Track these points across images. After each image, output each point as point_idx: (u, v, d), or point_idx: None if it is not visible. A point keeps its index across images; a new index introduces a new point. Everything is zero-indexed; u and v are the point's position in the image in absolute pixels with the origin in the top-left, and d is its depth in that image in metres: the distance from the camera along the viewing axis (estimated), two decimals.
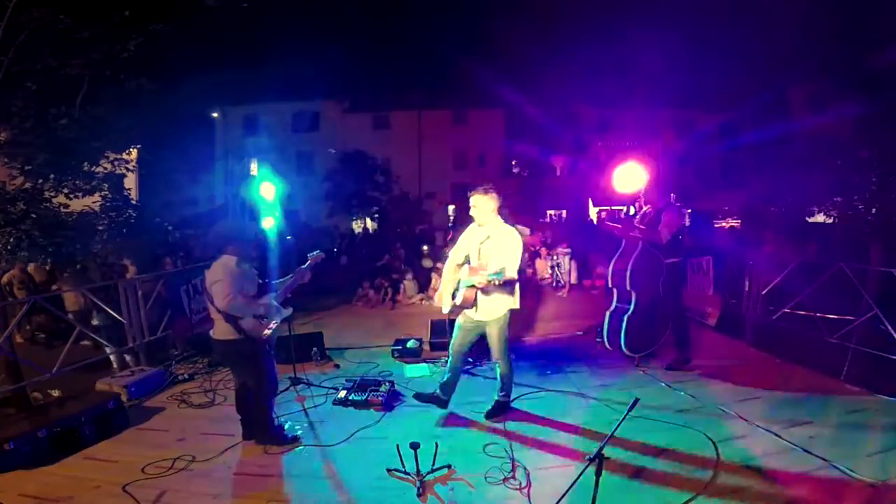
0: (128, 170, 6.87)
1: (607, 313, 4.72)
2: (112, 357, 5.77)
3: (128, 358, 5.68)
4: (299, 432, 3.55)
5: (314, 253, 3.77)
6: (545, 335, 5.87)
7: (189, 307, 5.69)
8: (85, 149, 5.88)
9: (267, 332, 3.26)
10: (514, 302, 3.56)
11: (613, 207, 23.55)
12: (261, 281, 3.38)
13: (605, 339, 4.76)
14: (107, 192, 6.45)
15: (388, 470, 2.93)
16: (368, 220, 24.19)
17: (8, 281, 7.67)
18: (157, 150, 7.79)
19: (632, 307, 4.47)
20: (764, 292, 5.39)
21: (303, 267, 3.65)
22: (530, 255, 9.61)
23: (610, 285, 4.71)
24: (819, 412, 3.57)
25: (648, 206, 4.65)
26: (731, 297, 5.91)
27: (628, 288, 4.47)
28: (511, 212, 3.81)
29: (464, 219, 3.76)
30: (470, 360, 4.57)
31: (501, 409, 3.73)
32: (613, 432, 2.13)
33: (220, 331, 3.18)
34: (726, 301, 5.92)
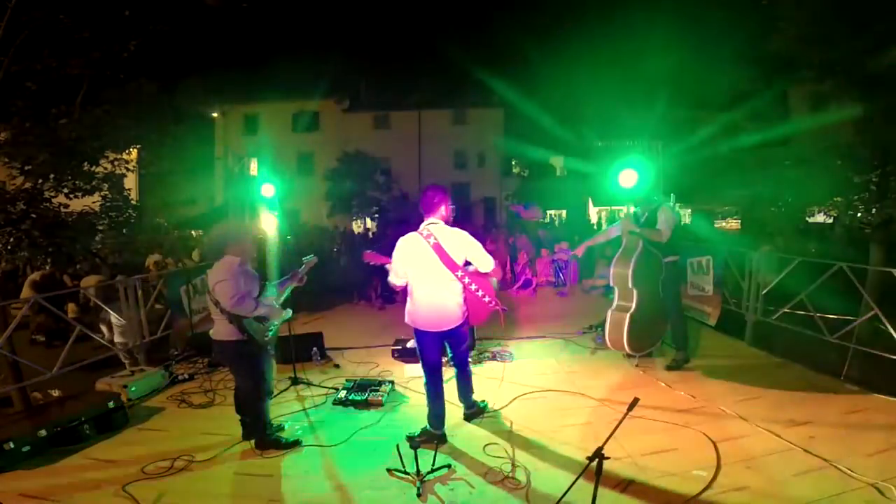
0: (128, 170, 6.88)
1: (609, 312, 4.71)
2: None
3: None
4: (299, 432, 3.55)
5: (308, 258, 3.76)
6: (545, 335, 5.87)
7: (189, 307, 5.68)
8: (85, 149, 5.89)
9: (269, 334, 3.26)
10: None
11: (613, 207, 23.60)
12: (266, 282, 3.38)
13: (607, 338, 4.75)
14: (107, 192, 6.47)
15: (388, 470, 2.93)
16: (368, 220, 24.20)
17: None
18: (157, 150, 7.80)
19: (634, 306, 4.46)
20: (764, 292, 5.39)
21: (298, 271, 3.65)
22: (530, 256, 9.61)
23: (612, 284, 4.70)
24: (819, 412, 3.57)
25: (641, 206, 4.60)
26: (731, 297, 5.91)
27: (630, 287, 4.46)
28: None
29: (464, 219, 3.71)
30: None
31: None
32: (613, 432, 2.13)
33: (221, 331, 3.17)
34: (726, 301, 5.92)
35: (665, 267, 4.51)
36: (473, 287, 3.23)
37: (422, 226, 3.22)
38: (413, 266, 3.19)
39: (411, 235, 3.22)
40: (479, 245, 3.21)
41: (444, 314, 3.20)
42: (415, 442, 2.94)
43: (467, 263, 3.23)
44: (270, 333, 3.29)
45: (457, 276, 3.16)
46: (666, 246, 4.47)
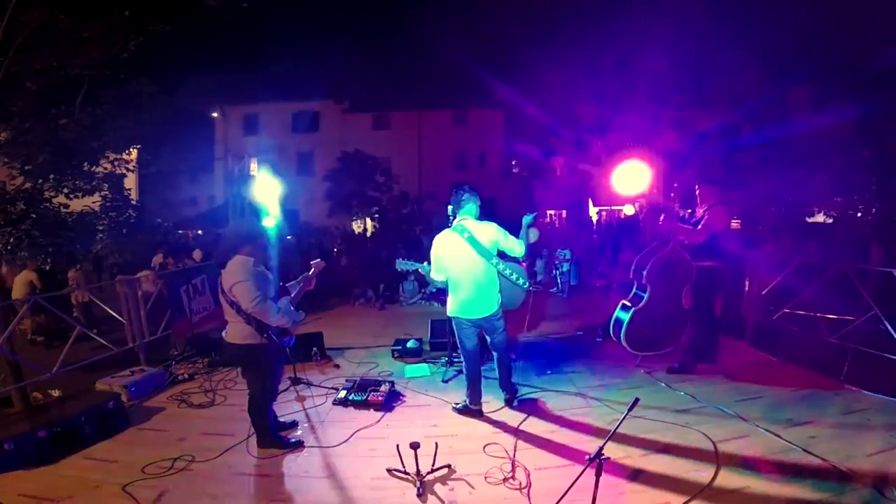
0: (128, 170, 6.89)
1: (621, 302, 4.67)
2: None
3: None
4: (299, 432, 3.55)
5: (316, 261, 3.75)
6: (545, 335, 5.87)
7: (189, 307, 5.68)
8: (85, 149, 5.90)
9: (286, 337, 3.23)
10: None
11: (614, 207, 23.59)
12: (281, 284, 3.35)
13: (611, 327, 4.69)
14: (107, 192, 6.48)
15: (388, 470, 2.93)
16: (368, 220, 24.19)
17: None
18: (157, 150, 7.80)
19: (643, 303, 4.41)
20: (764, 292, 5.39)
21: (308, 274, 3.63)
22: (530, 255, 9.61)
23: (631, 276, 4.64)
24: (819, 412, 3.57)
25: (704, 205, 4.45)
26: (731, 297, 5.90)
27: (644, 282, 4.40)
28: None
29: None
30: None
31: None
32: (613, 432, 2.13)
33: (238, 334, 3.09)
34: (726, 301, 5.91)
35: (698, 272, 4.32)
36: (508, 272, 3.59)
37: (454, 223, 3.58)
38: (451, 260, 3.52)
39: (446, 232, 3.57)
40: (507, 233, 3.58)
41: (481, 302, 3.53)
42: (457, 411, 3.75)
43: (502, 256, 3.58)
44: (287, 337, 3.26)
45: (491, 263, 3.49)
46: (702, 249, 4.29)
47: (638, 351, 4.60)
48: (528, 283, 3.73)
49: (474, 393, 3.74)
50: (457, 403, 3.87)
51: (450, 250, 3.52)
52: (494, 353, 3.81)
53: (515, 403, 3.83)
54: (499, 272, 3.56)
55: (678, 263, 4.36)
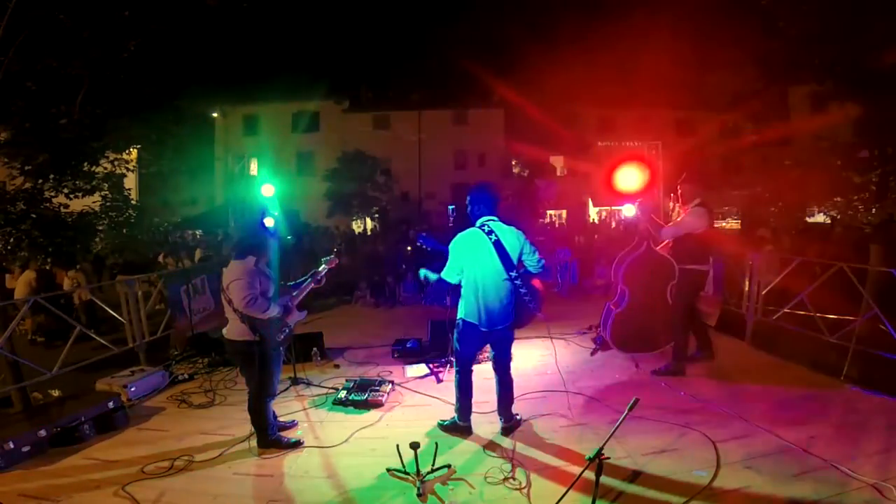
0: (128, 170, 6.88)
1: (606, 304, 4.71)
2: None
3: None
4: (299, 432, 3.55)
5: (329, 258, 3.75)
6: (545, 335, 5.86)
7: (189, 307, 5.68)
8: (85, 149, 5.89)
9: (281, 335, 3.24)
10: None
11: (614, 207, 23.60)
12: (282, 283, 3.37)
13: (601, 325, 4.73)
14: (107, 192, 6.47)
15: (388, 470, 2.93)
16: (368, 220, 24.21)
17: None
18: (157, 150, 7.80)
19: (623, 305, 4.43)
20: (764, 292, 5.39)
21: (318, 270, 3.63)
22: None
23: (612, 277, 4.67)
24: (819, 412, 3.57)
25: (686, 206, 4.42)
26: (730, 297, 5.91)
27: (622, 286, 4.43)
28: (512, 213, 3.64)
29: (465, 220, 3.64)
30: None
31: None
32: (613, 432, 2.13)
33: (234, 331, 3.15)
34: (726, 301, 5.92)
35: (681, 274, 4.32)
36: (523, 291, 3.26)
37: (480, 221, 3.28)
38: (471, 261, 3.22)
39: (472, 231, 3.28)
40: (531, 245, 3.30)
41: (497, 312, 3.24)
42: (443, 428, 3.36)
43: (520, 265, 3.28)
44: (283, 336, 3.27)
45: (510, 275, 3.20)
46: (687, 252, 4.27)
47: (628, 352, 4.61)
48: (537, 309, 3.37)
49: (464, 407, 3.41)
50: (443, 420, 3.53)
51: (472, 249, 3.23)
52: (496, 373, 3.46)
53: (513, 435, 3.40)
54: (515, 287, 3.24)
55: (656, 263, 4.37)
